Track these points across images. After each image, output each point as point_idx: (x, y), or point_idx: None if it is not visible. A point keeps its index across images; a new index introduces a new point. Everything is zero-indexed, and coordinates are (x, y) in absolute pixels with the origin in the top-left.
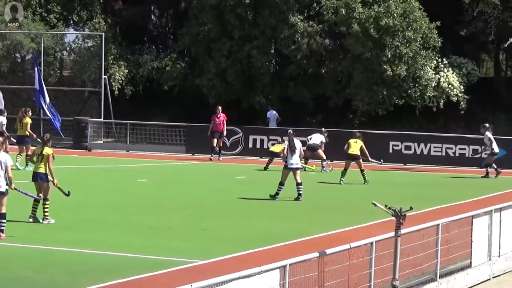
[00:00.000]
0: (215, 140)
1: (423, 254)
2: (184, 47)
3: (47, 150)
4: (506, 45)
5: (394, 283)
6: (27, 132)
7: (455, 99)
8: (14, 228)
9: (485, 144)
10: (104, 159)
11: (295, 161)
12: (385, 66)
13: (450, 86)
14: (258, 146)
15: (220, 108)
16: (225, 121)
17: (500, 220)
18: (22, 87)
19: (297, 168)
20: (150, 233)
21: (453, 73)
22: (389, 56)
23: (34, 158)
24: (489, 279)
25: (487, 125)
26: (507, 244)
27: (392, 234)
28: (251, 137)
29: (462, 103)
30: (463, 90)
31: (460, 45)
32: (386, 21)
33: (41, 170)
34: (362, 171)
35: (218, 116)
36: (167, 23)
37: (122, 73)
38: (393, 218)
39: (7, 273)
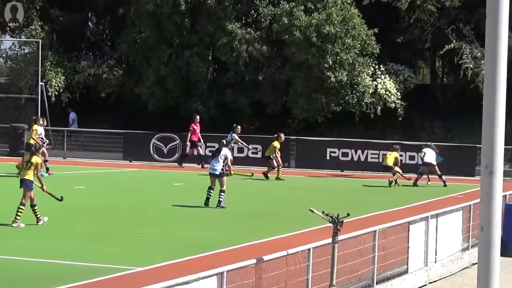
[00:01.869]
0: (192, 149)
1: (360, 260)
2: (122, 54)
3: (36, 159)
4: (442, 52)
5: None
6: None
7: (392, 105)
8: None
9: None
10: None
11: (212, 166)
12: (328, 73)
13: (387, 93)
14: (195, 153)
15: (198, 117)
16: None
17: (437, 226)
18: None
19: (212, 174)
20: (88, 240)
21: (390, 80)
22: (330, 63)
23: (22, 165)
24: (426, 285)
25: (429, 143)
26: (443, 250)
27: (330, 240)
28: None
29: (399, 109)
30: (400, 97)
31: (397, 52)
32: (328, 29)
33: (28, 177)
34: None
35: (197, 125)
36: (105, 30)
37: (59, 79)
38: (331, 224)
39: None
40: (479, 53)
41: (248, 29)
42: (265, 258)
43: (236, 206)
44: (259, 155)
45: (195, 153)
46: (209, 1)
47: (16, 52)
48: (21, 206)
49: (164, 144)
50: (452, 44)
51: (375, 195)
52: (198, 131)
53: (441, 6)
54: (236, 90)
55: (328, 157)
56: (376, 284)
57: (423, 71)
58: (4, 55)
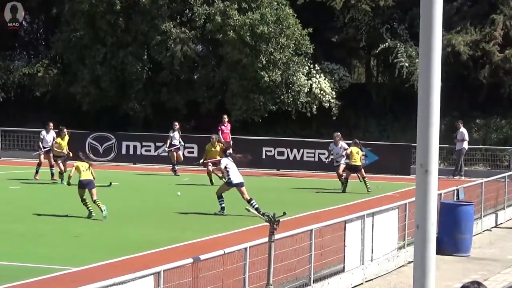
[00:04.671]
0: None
1: (296, 259)
2: (56, 53)
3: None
4: (377, 51)
5: None
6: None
7: (327, 104)
8: None
9: (334, 154)
10: None
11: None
12: (262, 73)
13: (322, 92)
14: (131, 152)
15: (226, 117)
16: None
17: (373, 225)
18: None
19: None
20: (22, 240)
21: (325, 79)
22: (264, 62)
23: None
24: (362, 283)
25: (339, 134)
26: (380, 249)
27: (266, 239)
28: (124, 144)
29: (334, 108)
30: (335, 96)
31: (332, 51)
32: (261, 28)
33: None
34: (364, 178)
35: (225, 125)
36: (39, 29)
37: None
38: (267, 223)
39: None
40: (413, 52)
41: (183, 28)
42: (202, 257)
43: (172, 205)
44: (195, 154)
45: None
46: (143, 0)
47: None
48: (96, 202)
49: (99, 144)
50: (387, 43)
51: (311, 194)
52: (227, 131)
53: (375, 6)
54: (171, 89)
55: (264, 156)
56: (313, 283)
57: (358, 70)
58: None
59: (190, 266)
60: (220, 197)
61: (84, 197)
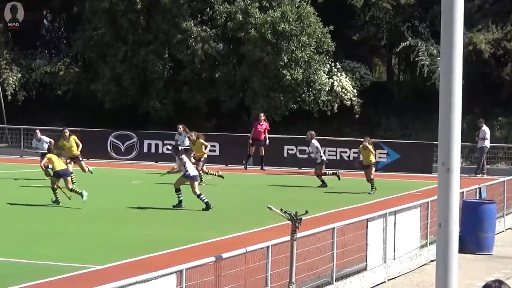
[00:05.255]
0: (253, 148)
1: (319, 258)
2: (78, 51)
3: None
4: (398, 50)
5: (291, 286)
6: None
7: (348, 103)
8: None
9: (312, 152)
10: None
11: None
12: (283, 71)
13: (343, 90)
14: (153, 150)
15: (262, 115)
16: (266, 130)
17: (395, 223)
18: None
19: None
20: (45, 239)
21: (346, 78)
22: (286, 60)
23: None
24: (385, 282)
25: (313, 132)
26: (402, 247)
27: (288, 238)
28: (146, 142)
29: (355, 107)
30: (356, 94)
31: (353, 49)
32: (283, 26)
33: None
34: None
35: (261, 123)
36: (60, 28)
37: (15, 77)
38: (289, 222)
39: None
40: (435, 50)
41: (204, 26)
42: (224, 255)
43: (194, 204)
44: (217, 152)
45: (251, 152)
46: None
47: None
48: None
49: (121, 142)
50: (408, 42)
51: (333, 192)
52: (261, 129)
53: (396, 4)
54: (192, 88)
55: (285, 155)
56: (335, 281)
57: (379, 68)
58: None
59: (212, 264)
60: (178, 190)
61: (55, 186)
